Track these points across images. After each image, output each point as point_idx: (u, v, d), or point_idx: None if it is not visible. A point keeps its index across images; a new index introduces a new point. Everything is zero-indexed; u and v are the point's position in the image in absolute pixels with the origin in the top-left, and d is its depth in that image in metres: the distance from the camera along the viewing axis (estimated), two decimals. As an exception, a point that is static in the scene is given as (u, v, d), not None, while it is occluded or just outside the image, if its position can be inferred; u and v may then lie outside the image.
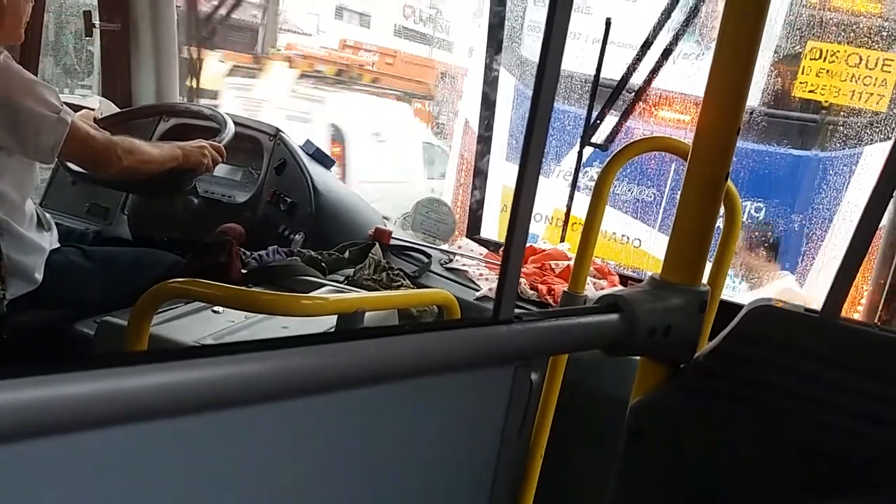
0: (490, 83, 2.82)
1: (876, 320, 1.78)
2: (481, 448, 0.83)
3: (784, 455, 0.90)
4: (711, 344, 0.95)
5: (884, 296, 1.77)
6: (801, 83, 3.54)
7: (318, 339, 0.66)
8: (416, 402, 0.75)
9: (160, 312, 1.50)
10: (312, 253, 2.22)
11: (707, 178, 0.91)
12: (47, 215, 2.03)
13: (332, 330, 1.42)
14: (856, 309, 2.46)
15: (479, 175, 2.97)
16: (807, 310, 0.93)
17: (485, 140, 2.95)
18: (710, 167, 0.91)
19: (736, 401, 0.92)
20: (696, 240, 0.92)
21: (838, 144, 3.55)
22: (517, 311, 0.77)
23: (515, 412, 0.82)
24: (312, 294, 1.69)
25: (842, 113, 3.55)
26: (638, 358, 0.99)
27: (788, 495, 0.90)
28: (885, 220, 1.97)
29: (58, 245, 2.00)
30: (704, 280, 0.98)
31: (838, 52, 3.47)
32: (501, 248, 2.61)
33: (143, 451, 0.61)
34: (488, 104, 2.91)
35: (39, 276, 1.89)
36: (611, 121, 2.56)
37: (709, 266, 1.59)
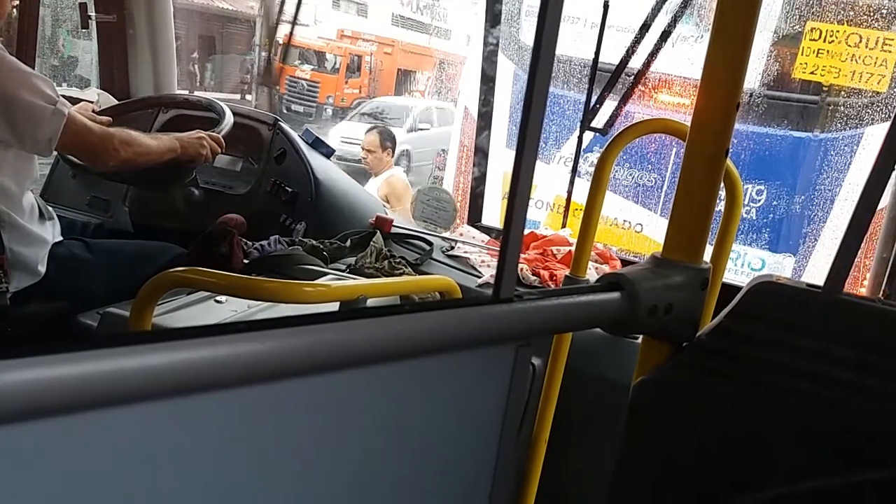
0: (488, 66, 2.81)
1: (880, 296, 1.78)
2: (484, 428, 0.83)
3: (788, 431, 0.90)
4: (713, 322, 0.95)
5: (888, 271, 1.77)
6: (800, 64, 3.52)
7: (320, 319, 0.66)
8: (418, 382, 0.75)
9: (163, 303, 1.50)
10: (314, 242, 2.22)
11: (707, 155, 0.91)
12: (49, 208, 2.03)
13: (335, 317, 1.42)
14: (858, 290, 2.45)
15: (480, 162, 2.97)
16: (809, 285, 0.93)
17: (485, 127, 2.94)
18: (709, 143, 0.90)
19: (739, 378, 0.92)
20: (696, 217, 0.91)
21: (839, 125, 3.54)
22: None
23: (518, 392, 0.82)
24: (315, 282, 1.69)
25: (842, 94, 3.53)
26: (639, 341, 0.99)
27: (793, 472, 0.91)
28: (888, 197, 1.96)
29: (60, 238, 2.00)
30: (707, 259, 0.98)
31: (838, 32, 3.45)
32: (503, 235, 2.59)
33: (147, 431, 0.61)
34: (487, 90, 2.90)
35: (42, 268, 1.89)
36: (610, 105, 2.55)
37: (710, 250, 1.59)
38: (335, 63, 16.20)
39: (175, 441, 0.63)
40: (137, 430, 0.61)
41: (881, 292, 1.78)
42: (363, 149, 5.01)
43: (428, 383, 0.76)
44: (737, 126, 0.95)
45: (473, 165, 2.97)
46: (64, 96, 1.85)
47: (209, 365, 0.61)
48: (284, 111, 15.06)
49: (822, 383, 0.89)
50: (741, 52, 0.90)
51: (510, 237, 0.75)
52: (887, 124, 3.35)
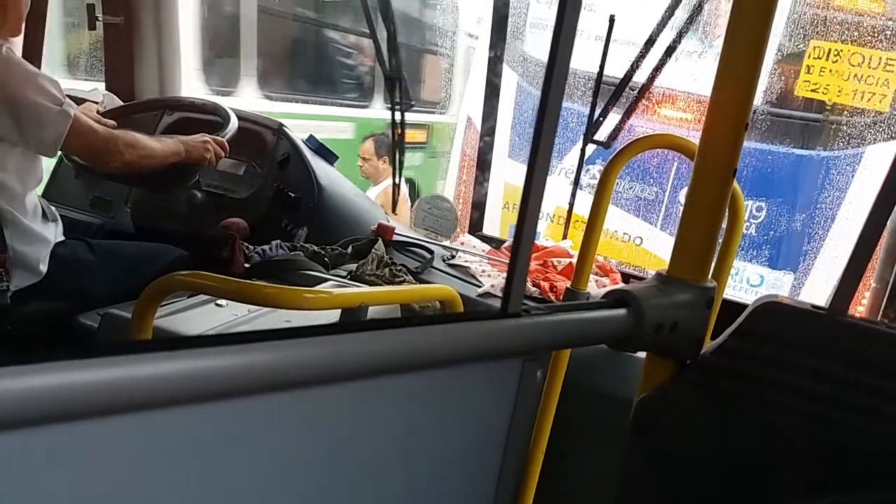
0: (493, 76, 2.81)
1: (879, 317, 1.78)
2: (490, 440, 0.83)
3: (791, 452, 0.91)
4: (718, 340, 0.95)
5: (887, 293, 1.77)
6: (803, 82, 3.54)
7: (327, 330, 0.66)
8: (425, 394, 0.75)
9: (164, 305, 1.49)
10: (315, 248, 2.22)
11: (715, 173, 0.91)
12: (52, 208, 2.03)
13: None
14: (856, 309, 2.46)
15: (482, 172, 2.97)
16: (814, 307, 0.93)
17: (487, 137, 2.95)
18: (718, 162, 0.91)
19: (742, 397, 0.92)
20: (703, 235, 0.92)
21: (842, 144, 3.55)
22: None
23: (523, 405, 0.82)
24: (316, 288, 1.69)
25: (845, 112, 3.54)
26: (638, 356, 0.99)
27: (795, 492, 0.91)
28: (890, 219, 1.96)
29: (63, 238, 2.00)
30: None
31: (841, 51, 3.47)
32: (504, 245, 2.60)
33: (148, 440, 0.61)
34: (491, 100, 2.90)
35: (44, 267, 1.89)
36: (613, 119, 2.56)
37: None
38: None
39: (180, 451, 0.63)
40: (143, 440, 0.60)
41: (880, 313, 1.79)
42: (360, 157, 4.90)
43: (435, 396, 0.76)
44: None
45: (475, 175, 2.98)
46: (69, 97, 1.86)
47: (215, 375, 0.61)
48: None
49: (826, 404, 0.89)
50: (751, 73, 0.91)
51: (519, 252, 0.75)
52: (890, 143, 3.36)
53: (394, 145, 2.62)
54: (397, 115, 2.50)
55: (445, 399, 0.78)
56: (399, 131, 2.54)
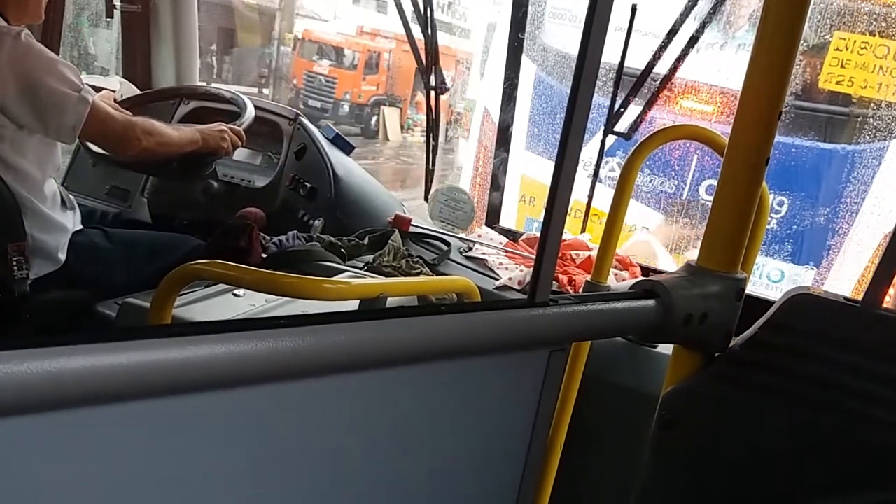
0: (511, 67, 2.78)
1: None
2: (514, 431, 0.82)
3: (821, 446, 0.88)
4: (747, 333, 0.93)
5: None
6: (827, 74, 3.48)
7: (355, 317, 0.65)
8: (451, 383, 0.74)
9: (180, 295, 1.49)
10: (332, 238, 2.21)
11: (747, 163, 0.89)
12: (70, 196, 2.03)
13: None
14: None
15: (499, 164, 2.94)
16: (847, 299, 0.91)
17: (505, 129, 2.91)
18: (750, 151, 0.89)
19: (772, 391, 0.90)
20: (734, 226, 0.89)
21: (867, 137, 3.49)
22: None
23: (549, 397, 0.80)
24: (335, 279, 1.68)
25: (871, 105, 3.48)
26: (660, 350, 0.97)
27: (825, 489, 0.89)
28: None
29: (81, 226, 2.00)
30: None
31: (867, 43, 3.41)
32: (521, 238, 2.56)
33: (168, 426, 0.60)
34: (509, 92, 2.87)
35: (63, 256, 1.89)
36: (633, 110, 2.52)
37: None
38: (353, 59, 16.17)
39: (202, 436, 0.62)
40: (164, 424, 0.60)
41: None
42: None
43: (461, 385, 0.75)
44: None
45: (493, 167, 2.95)
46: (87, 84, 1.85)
47: (247, 359, 0.60)
48: (301, 106, 15.07)
49: (858, 398, 0.87)
50: (785, 60, 0.88)
51: (548, 242, 0.73)
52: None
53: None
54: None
55: (472, 389, 0.77)
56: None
